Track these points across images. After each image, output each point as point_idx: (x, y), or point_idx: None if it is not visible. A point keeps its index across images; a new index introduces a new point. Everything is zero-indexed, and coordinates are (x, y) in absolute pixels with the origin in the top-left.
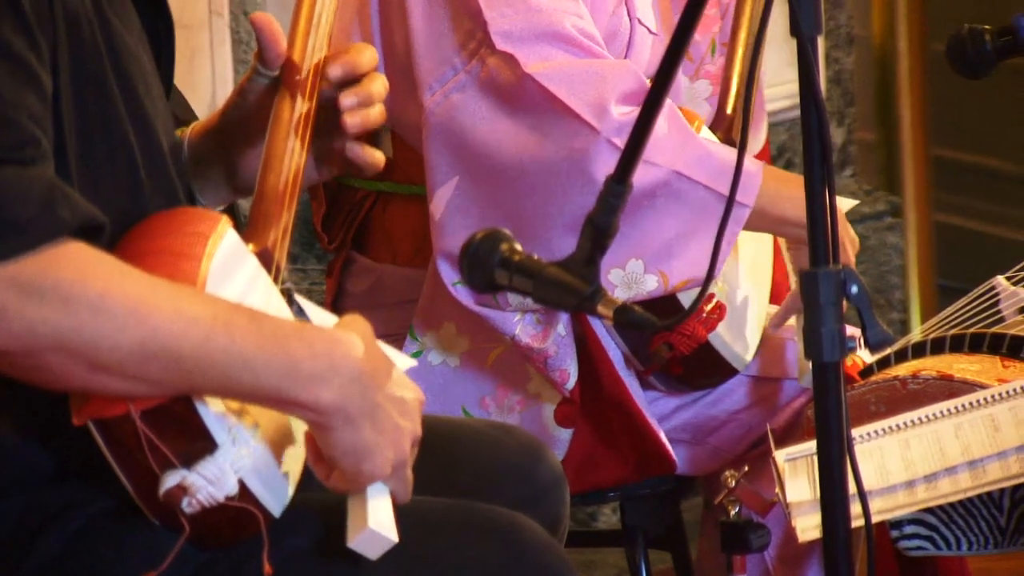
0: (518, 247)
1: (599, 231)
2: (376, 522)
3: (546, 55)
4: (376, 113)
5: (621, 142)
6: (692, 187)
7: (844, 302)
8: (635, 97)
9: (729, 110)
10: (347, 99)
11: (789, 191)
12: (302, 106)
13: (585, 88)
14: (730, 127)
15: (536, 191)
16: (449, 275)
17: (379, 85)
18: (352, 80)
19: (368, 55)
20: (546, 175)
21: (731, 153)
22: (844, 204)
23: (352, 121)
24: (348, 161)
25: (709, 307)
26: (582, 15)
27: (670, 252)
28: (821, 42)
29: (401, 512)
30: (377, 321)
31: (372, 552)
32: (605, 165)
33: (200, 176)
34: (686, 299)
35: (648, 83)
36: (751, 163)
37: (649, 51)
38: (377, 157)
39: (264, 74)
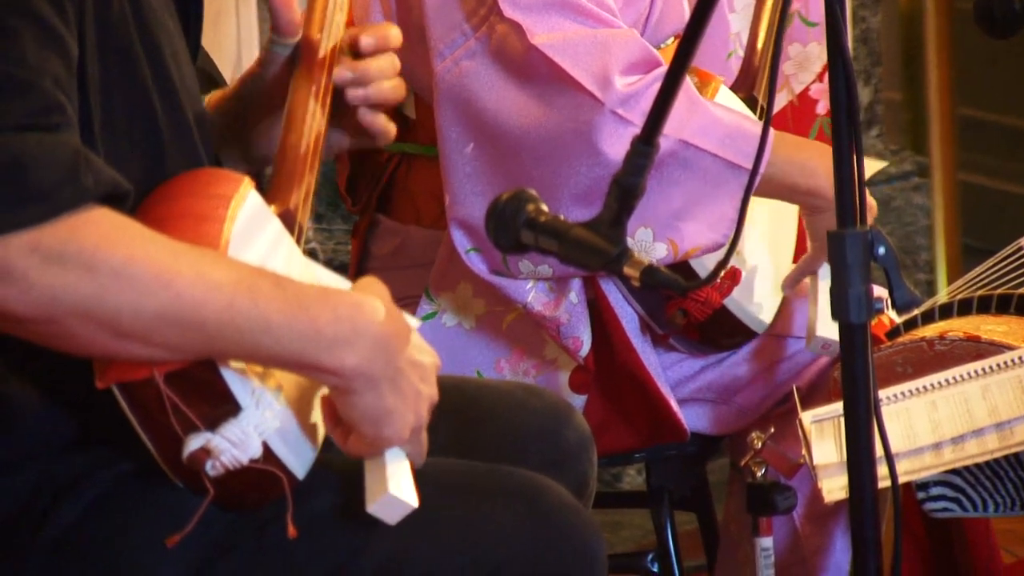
0: (544, 208)
1: (626, 192)
2: (396, 487)
3: (554, 24)
4: (390, 87)
5: (626, 112)
6: (699, 155)
7: (871, 263)
8: (640, 67)
9: (756, 68)
10: (340, 72)
11: (801, 158)
12: (321, 77)
13: (589, 59)
14: (752, 85)
15: (543, 161)
16: (463, 243)
17: (385, 62)
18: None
19: (387, 32)
20: (552, 146)
21: (739, 119)
22: (870, 167)
23: (352, 93)
24: (361, 129)
25: (722, 273)
26: None
27: (679, 220)
28: (849, 0)
29: (421, 474)
30: (402, 282)
31: (391, 517)
32: (610, 136)
33: (222, 144)
34: (697, 265)
35: (655, 53)
36: (760, 128)
37: (674, 12)
38: (389, 127)
39: (279, 43)
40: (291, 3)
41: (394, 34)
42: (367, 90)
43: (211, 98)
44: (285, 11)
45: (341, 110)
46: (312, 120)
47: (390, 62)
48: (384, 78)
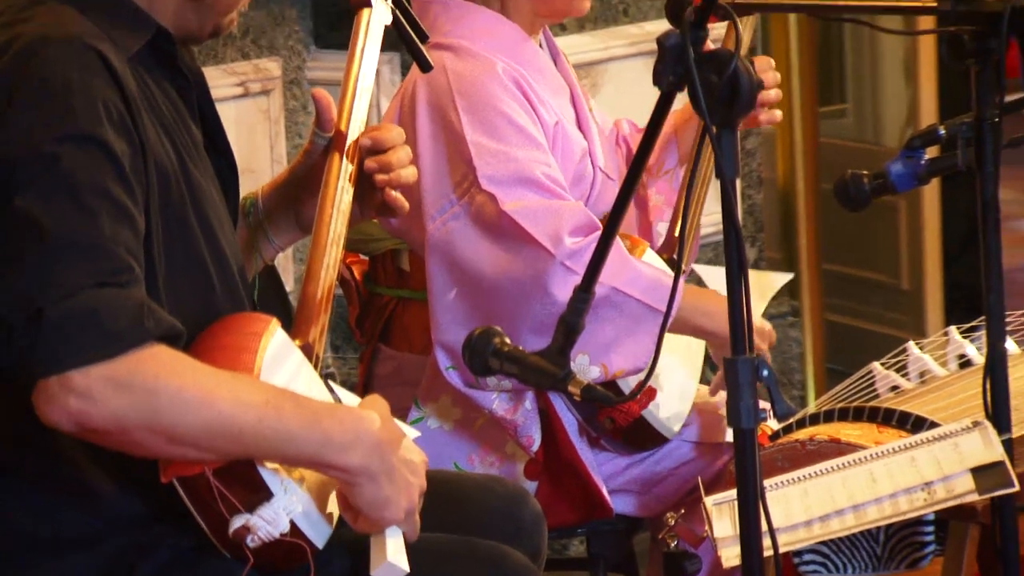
0: (507, 340)
1: (569, 328)
2: (393, 556)
3: (520, 195)
4: (406, 174)
5: (572, 264)
6: (627, 300)
7: (757, 383)
8: (584, 230)
9: (676, 233)
10: (369, 163)
11: (704, 305)
12: (348, 165)
13: (546, 223)
14: (672, 250)
15: (508, 300)
16: (444, 361)
17: (401, 155)
18: (379, 151)
19: (395, 133)
20: (516, 288)
21: (658, 273)
22: (778, 280)
23: (379, 178)
24: (385, 207)
25: (642, 391)
26: (550, 164)
27: (610, 349)
28: (738, 183)
29: (412, 546)
30: (399, 396)
31: None
32: (560, 283)
33: (273, 222)
34: (623, 384)
35: (595, 220)
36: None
37: (609, 191)
38: (404, 203)
39: (321, 136)
40: (331, 107)
41: (397, 132)
42: (389, 176)
43: (269, 184)
44: (327, 112)
45: (370, 193)
46: (327, 272)
47: (405, 153)
48: (402, 167)
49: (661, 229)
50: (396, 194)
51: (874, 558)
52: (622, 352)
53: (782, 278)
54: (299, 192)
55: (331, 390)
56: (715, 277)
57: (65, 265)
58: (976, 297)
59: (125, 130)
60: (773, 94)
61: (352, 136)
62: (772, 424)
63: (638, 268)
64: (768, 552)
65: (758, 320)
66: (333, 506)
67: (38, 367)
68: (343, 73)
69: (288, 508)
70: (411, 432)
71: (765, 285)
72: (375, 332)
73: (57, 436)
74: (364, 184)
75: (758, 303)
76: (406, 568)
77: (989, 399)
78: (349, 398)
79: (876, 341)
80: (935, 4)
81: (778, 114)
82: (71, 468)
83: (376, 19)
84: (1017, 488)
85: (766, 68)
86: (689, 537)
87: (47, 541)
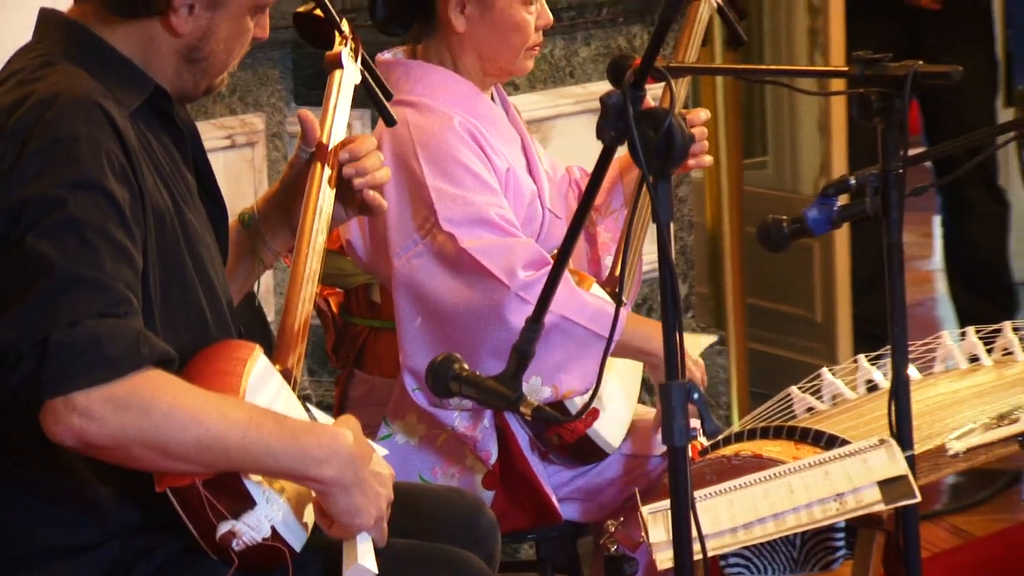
0: (466, 366)
1: (522, 355)
2: (363, 559)
3: (477, 234)
4: (380, 175)
5: (526, 295)
6: (574, 327)
7: (689, 404)
8: (536, 264)
9: (617, 273)
10: (347, 170)
11: (643, 331)
12: (328, 171)
13: (501, 258)
14: (614, 284)
15: (468, 328)
16: (410, 384)
17: (374, 160)
18: (355, 158)
19: (368, 142)
20: (475, 318)
21: (603, 303)
22: (704, 341)
23: (356, 181)
24: (365, 206)
25: (586, 411)
26: (503, 206)
27: (559, 371)
28: (672, 226)
29: (380, 551)
30: (370, 415)
31: None
32: (514, 312)
33: (269, 229)
34: (570, 404)
35: (546, 255)
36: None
37: (557, 229)
38: (383, 202)
39: (305, 150)
40: (315, 124)
41: (370, 140)
42: (366, 178)
43: (262, 197)
44: (311, 130)
45: (351, 195)
46: (302, 305)
47: (377, 158)
48: (376, 169)
49: (608, 262)
50: (374, 194)
51: (791, 561)
52: (571, 374)
53: (708, 339)
54: (288, 199)
55: (308, 411)
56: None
57: (70, 297)
58: (882, 329)
59: (125, 178)
60: (702, 145)
61: (332, 147)
62: (702, 441)
63: (585, 299)
64: (698, 556)
65: (695, 356)
66: (309, 514)
67: (45, 389)
68: (319, 123)
69: (269, 515)
70: (380, 450)
71: (694, 344)
72: (350, 358)
73: (61, 452)
74: (345, 189)
75: (693, 343)
76: (375, 570)
77: (894, 419)
78: (323, 418)
79: (793, 367)
80: (846, 69)
81: (707, 160)
82: (74, 480)
83: (347, 79)
84: (919, 499)
85: (696, 121)
86: (627, 542)
87: (52, 547)
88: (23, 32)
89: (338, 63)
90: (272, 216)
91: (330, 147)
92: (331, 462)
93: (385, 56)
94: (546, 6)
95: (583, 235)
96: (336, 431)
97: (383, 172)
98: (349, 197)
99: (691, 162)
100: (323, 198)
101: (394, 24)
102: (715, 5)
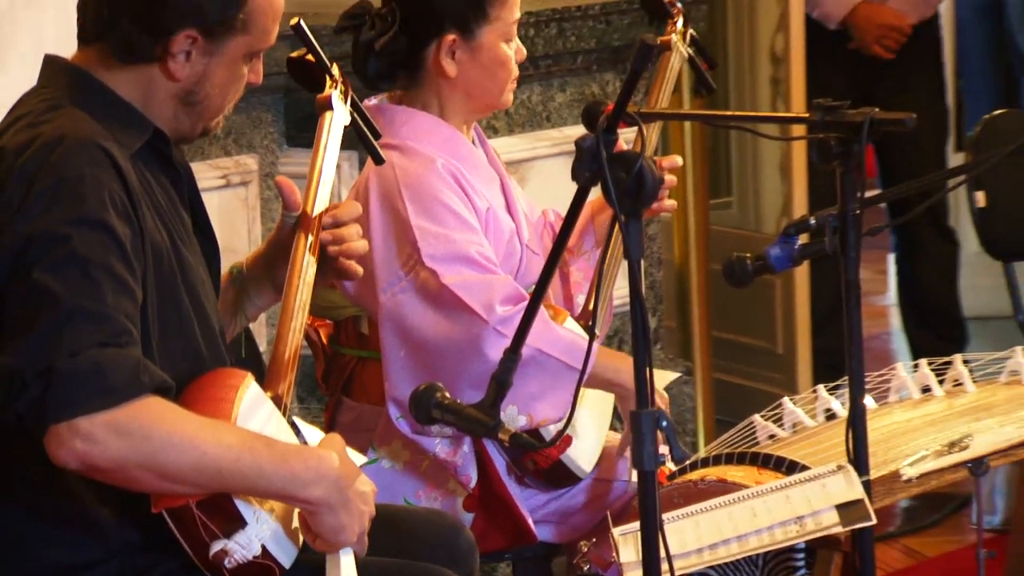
0: (448, 395)
1: (500, 385)
2: (345, 573)
3: (458, 271)
4: (356, 246)
5: (503, 329)
6: (549, 359)
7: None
8: (513, 300)
9: (591, 307)
10: (324, 235)
11: (613, 364)
12: (312, 235)
13: (480, 294)
14: (588, 318)
15: (449, 360)
16: (395, 412)
17: (353, 230)
18: (337, 225)
19: (351, 209)
20: (455, 350)
21: (576, 337)
22: (669, 376)
23: (331, 249)
24: (342, 272)
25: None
26: (483, 244)
27: (535, 401)
28: (643, 263)
29: (366, 569)
30: (357, 441)
31: None
32: (492, 345)
33: (254, 286)
34: (544, 431)
35: (523, 291)
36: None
37: (535, 265)
38: (358, 269)
39: (288, 216)
40: (294, 191)
41: (355, 208)
42: (341, 247)
43: (251, 255)
44: (291, 196)
45: (328, 261)
46: (293, 336)
47: (356, 229)
48: (352, 240)
49: (580, 300)
50: (348, 262)
51: None
52: (545, 403)
53: (673, 375)
54: (273, 261)
55: (297, 430)
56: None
57: (74, 328)
58: (840, 360)
59: (127, 216)
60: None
61: (316, 215)
62: (670, 466)
63: (559, 332)
64: (666, 575)
65: (660, 389)
66: (296, 532)
67: (49, 414)
68: (304, 191)
69: (260, 534)
70: (359, 459)
71: (660, 378)
72: (339, 386)
73: (64, 474)
74: (324, 253)
75: (660, 377)
76: None
77: (851, 447)
78: (312, 432)
79: (756, 397)
80: (807, 116)
81: (669, 204)
82: (77, 502)
83: (337, 120)
84: (874, 522)
85: (667, 167)
86: (599, 562)
87: (57, 564)
88: (32, 33)
89: (328, 105)
90: (258, 274)
91: (314, 216)
92: (319, 484)
93: (371, 102)
94: (520, 41)
95: (557, 274)
96: (323, 454)
97: (360, 244)
98: (328, 264)
99: (655, 205)
100: (307, 264)
101: (382, 79)
102: (686, 56)
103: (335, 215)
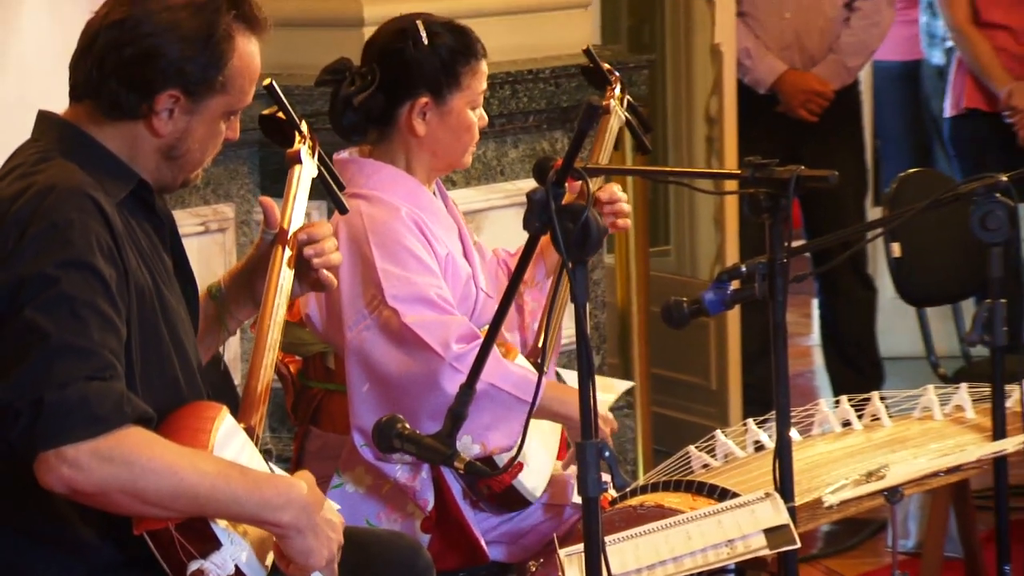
0: (408, 426)
1: (456, 417)
2: None
3: (418, 311)
4: (335, 257)
5: (459, 365)
6: (500, 393)
7: (601, 461)
8: (468, 338)
9: (540, 345)
10: (307, 250)
11: (561, 396)
12: (288, 253)
13: (438, 332)
14: (537, 355)
15: (409, 393)
16: (359, 440)
17: (330, 243)
18: (313, 241)
19: (324, 228)
20: (415, 384)
21: (526, 372)
22: (621, 386)
23: (315, 261)
24: (319, 283)
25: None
26: (442, 287)
27: (488, 431)
28: (588, 306)
29: None
30: (324, 467)
31: None
32: (449, 380)
33: (235, 301)
34: (498, 459)
35: (477, 331)
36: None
37: (488, 307)
38: (332, 280)
39: (267, 232)
40: (274, 208)
41: (327, 226)
42: (323, 259)
43: (228, 272)
44: (272, 215)
45: (306, 273)
46: (265, 371)
47: (332, 243)
48: (329, 253)
49: (535, 327)
50: (327, 273)
51: None
52: (498, 433)
53: (625, 384)
54: (251, 276)
55: (268, 465)
56: (571, 378)
57: (62, 363)
58: (768, 396)
59: (112, 259)
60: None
61: (292, 233)
62: (612, 493)
63: (510, 368)
64: None
65: (606, 411)
66: (268, 555)
67: (39, 442)
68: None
69: (234, 555)
70: (333, 505)
71: (609, 385)
72: (307, 416)
73: (52, 498)
74: (302, 268)
75: (607, 397)
76: None
77: (778, 475)
78: (280, 472)
79: (691, 429)
80: (739, 172)
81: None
82: (63, 524)
83: (306, 173)
84: (799, 545)
85: (613, 197)
86: None
87: None
88: (30, 39)
89: (297, 159)
90: (237, 290)
91: (290, 233)
92: (288, 508)
93: (342, 155)
94: (483, 109)
95: (512, 305)
96: (292, 481)
97: (337, 255)
98: (305, 275)
99: (620, 222)
100: (283, 277)
101: (355, 132)
102: (623, 119)
103: (310, 232)
